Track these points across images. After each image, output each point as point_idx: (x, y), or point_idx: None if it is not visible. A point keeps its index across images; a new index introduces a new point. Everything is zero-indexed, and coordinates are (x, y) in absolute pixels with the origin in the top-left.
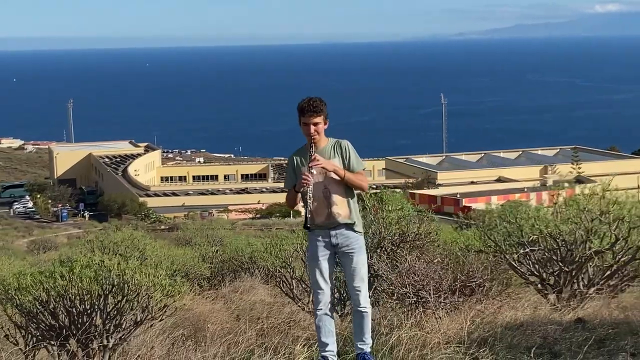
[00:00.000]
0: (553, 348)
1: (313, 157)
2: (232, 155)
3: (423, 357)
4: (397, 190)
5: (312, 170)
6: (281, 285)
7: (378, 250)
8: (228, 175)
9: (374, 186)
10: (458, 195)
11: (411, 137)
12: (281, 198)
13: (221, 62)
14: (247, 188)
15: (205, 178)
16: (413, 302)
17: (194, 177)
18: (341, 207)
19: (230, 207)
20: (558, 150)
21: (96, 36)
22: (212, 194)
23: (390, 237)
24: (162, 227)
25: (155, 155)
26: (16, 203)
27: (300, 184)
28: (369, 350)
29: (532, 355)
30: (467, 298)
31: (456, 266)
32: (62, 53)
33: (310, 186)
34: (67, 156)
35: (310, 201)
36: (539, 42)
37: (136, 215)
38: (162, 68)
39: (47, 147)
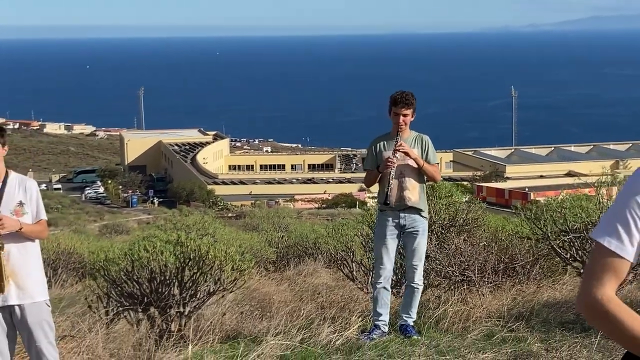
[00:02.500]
0: (584, 324)
1: (399, 143)
2: (300, 145)
3: (466, 329)
4: (465, 182)
5: (396, 155)
6: (342, 267)
7: (429, 234)
8: (295, 165)
9: (441, 178)
10: (526, 189)
11: (480, 130)
12: (347, 189)
13: (291, 51)
14: (313, 178)
15: (273, 167)
16: (458, 280)
17: (261, 166)
18: (413, 192)
19: (296, 197)
20: (630, 145)
21: (168, 24)
22: (279, 183)
23: (440, 222)
24: (230, 214)
25: (224, 144)
26: (88, 188)
27: (385, 165)
28: (412, 323)
29: (564, 329)
30: (509, 279)
31: (500, 249)
32: (134, 41)
33: (394, 168)
34: (137, 143)
35: (391, 181)
36: (615, 35)
37: (204, 202)
38: (232, 57)
39: (118, 134)
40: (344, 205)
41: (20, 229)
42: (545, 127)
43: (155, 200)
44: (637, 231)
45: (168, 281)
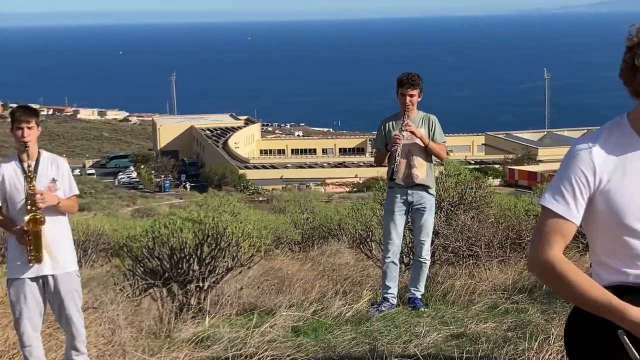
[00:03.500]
0: None
1: (405, 122)
2: (331, 129)
3: (471, 301)
4: (496, 165)
5: (403, 133)
6: (361, 246)
7: (437, 211)
8: (326, 149)
9: (472, 161)
10: None
11: (512, 113)
12: (378, 172)
13: (323, 35)
14: (344, 162)
15: (304, 151)
16: (466, 255)
17: (292, 150)
18: (420, 169)
19: (327, 181)
20: None
21: (202, 10)
22: (310, 167)
23: (449, 200)
24: (260, 198)
25: (255, 129)
26: (121, 173)
27: (392, 143)
28: (419, 296)
29: (564, 301)
30: (516, 254)
31: (508, 226)
32: (167, 26)
33: (400, 147)
34: (170, 128)
35: (398, 158)
36: None
37: (235, 187)
38: (264, 42)
39: (150, 119)
40: (374, 189)
41: (58, 203)
42: (578, 110)
43: (187, 185)
44: (581, 196)
45: (187, 257)
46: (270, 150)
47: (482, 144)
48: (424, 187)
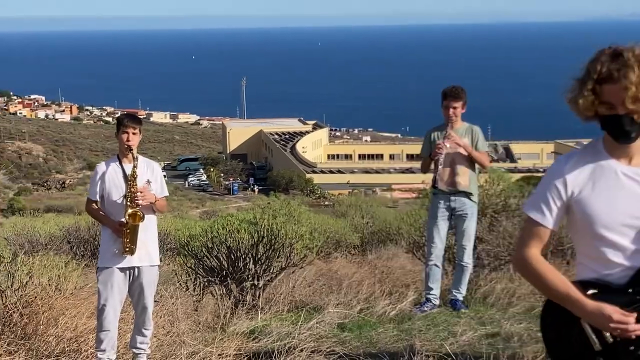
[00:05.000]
0: None
1: (449, 133)
2: (399, 135)
3: (510, 303)
4: None
5: (445, 143)
6: (414, 250)
7: (481, 217)
8: (393, 155)
9: (541, 169)
10: None
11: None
12: None
13: (394, 40)
14: (411, 168)
15: (371, 157)
16: (507, 260)
17: (359, 155)
18: (463, 177)
19: (394, 186)
20: None
21: (271, 15)
22: (377, 172)
23: (493, 206)
24: (326, 203)
25: (323, 133)
26: (191, 176)
27: (435, 152)
28: (461, 298)
29: None
30: (557, 260)
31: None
32: (238, 31)
33: (442, 155)
34: (239, 132)
35: (440, 167)
36: None
37: (302, 191)
38: (334, 47)
39: (221, 122)
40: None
41: (155, 201)
42: None
43: (255, 188)
44: (555, 205)
45: (244, 256)
46: (338, 155)
47: (552, 152)
48: (467, 194)
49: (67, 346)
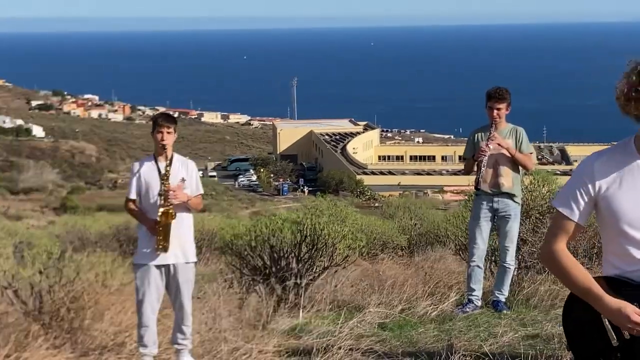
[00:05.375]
0: None
1: (492, 135)
2: (452, 136)
3: (553, 305)
4: None
5: (489, 145)
6: (460, 253)
7: (525, 218)
8: (445, 156)
9: (534, 167)
10: None
11: None
12: None
13: (445, 41)
14: (463, 169)
15: (423, 158)
16: None
17: (411, 157)
18: (507, 178)
19: (445, 188)
20: None
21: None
22: (428, 174)
23: (538, 208)
24: (376, 204)
25: (374, 134)
26: (241, 176)
27: (478, 154)
28: (503, 300)
29: None
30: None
31: (594, 235)
32: (290, 32)
33: (486, 157)
34: (289, 133)
35: (483, 168)
36: None
37: (352, 192)
38: (387, 47)
39: (271, 123)
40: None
41: (187, 200)
42: None
43: (305, 189)
44: (583, 200)
45: (287, 255)
46: (389, 157)
47: None
48: (510, 195)
49: (112, 340)
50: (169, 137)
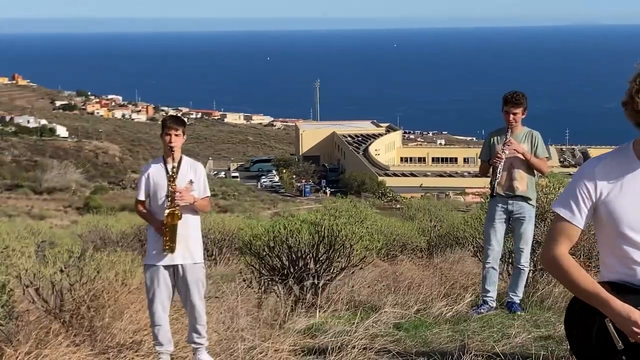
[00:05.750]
0: None
1: (508, 140)
2: (474, 139)
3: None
4: None
5: (505, 150)
6: (478, 255)
7: (541, 222)
8: (467, 158)
9: (549, 171)
10: None
11: None
12: None
13: (468, 43)
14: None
15: (445, 160)
16: None
17: (433, 158)
18: (521, 182)
19: (467, 190)
20: None
21: (348, 17)
22: (450, 176)
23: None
24: (397, 206)
25: (396, 136)
26: (263, 177)
27: (494, 158)
28: (518, 301)
29: None
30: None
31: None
32: (314, 33)
33: (502, 162)
34: (312, 134)
35: (499, 174)
36: None
37: (374, 193)
38: (409, 49)
39: (294, 124)
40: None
41: (194, 202)
42: None
43: (327, 190)
44: (584, 205)
45: (304, 256)
46: (411, 158)
47: None
48: (525, 198)
49: (131, 338)
50: (177, 140)
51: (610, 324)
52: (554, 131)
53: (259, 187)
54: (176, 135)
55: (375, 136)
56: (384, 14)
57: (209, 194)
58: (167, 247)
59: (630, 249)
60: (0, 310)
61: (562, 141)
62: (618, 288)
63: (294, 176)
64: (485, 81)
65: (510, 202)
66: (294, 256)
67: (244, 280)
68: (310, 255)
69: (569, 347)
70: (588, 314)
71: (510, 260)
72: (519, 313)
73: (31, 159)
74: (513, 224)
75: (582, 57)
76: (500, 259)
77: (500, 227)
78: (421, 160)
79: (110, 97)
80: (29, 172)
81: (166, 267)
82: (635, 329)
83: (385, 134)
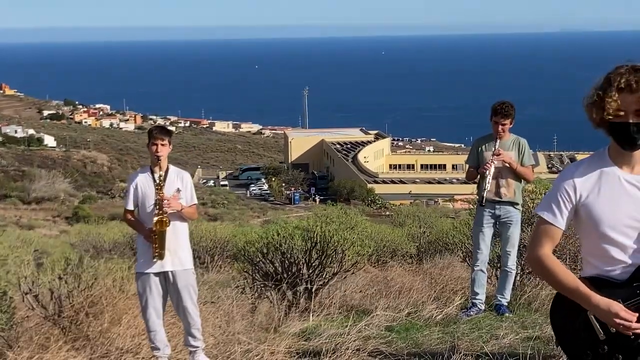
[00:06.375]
0: None
1: (497, 151)
2: (462, 145)
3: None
4: None
5: (494, 161)
6: (467, 260)
7: (527, 226)
8: (456, 165)
9: (534, 178)
10: None
11: None
12: None
13: (457, 50)
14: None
15: (433, 167)
16: None
17: (422, 165)
18: (508, 188)
19: (456, 197)
20: None
21: (334, 24)
22: (439, 182)
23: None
24: (387, 213)
25: (385, 143)
26: (253, 185)
27: (483, 169)
28: (505, 303)
29: None
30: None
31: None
32: (301, 41)
33: (491, 173)
34: (301, 142)
35: (488, 184)
36: None
37: (364, 200)
38: (397, 56)
39: (282, 132)
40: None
41: (181, 209)
42: None
43: (316, 198)
44: (565, 208)
45: (297, 261)
46: (400, 165)
47: None
48: (511, 203)
49: (130, 343)
50: (163, 149)
51: (592, 317)
52: (541, 137)
53: (248, 195)
54: (162, 145)
55: (364, 143)
56: (372, 22)
57: (196, 201)
58: (156, 254)
59: (609, 246)
60: (2, 316)
61: (550, 147)
62: (597, 282)
63: (283, 184)
64: (473, 88)
65: (497, 206)
66: (287, 262)
67: (237, 287)
68: (303, 260)
69: (555, 340)
70: (571, 309)
71: (498, 264)
72: (507, 315)
73: (19, 168)
74: (500, 227)
75: (570, 63)
76: (489, 262)
77: (488, 231)
78: (410, 167)
79: (98, 106)
80: (17, 182)
81: (156, 274)
82: (617, 320)
83: (374, 141)
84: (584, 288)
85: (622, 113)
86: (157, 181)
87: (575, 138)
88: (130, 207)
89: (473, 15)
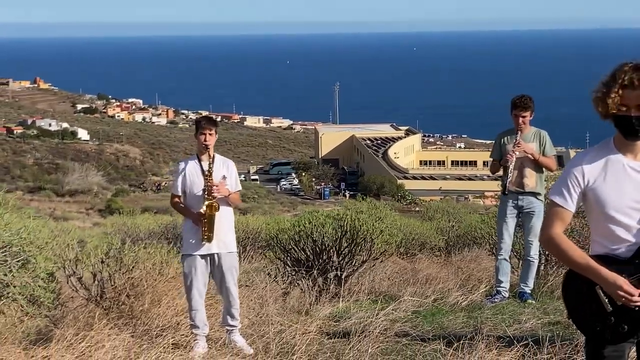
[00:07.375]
0: None
1: (518, 142)
2: (494, 142)
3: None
4: None
5: (515, 151)
6: (494, 252)
7: None
8: (487, 162)
9: (557, 168)
10: None
11: None
12: None
13: (490, 47)
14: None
15: (464, 163)
16: None
17: (452, 162)
18: (531, 179)
19: (486, 194)
20: None
21: (364, 20)
22: (470, 179)
23: None
24: (417, 208)
25: (416, 139)
26: (283, 180)
27: (505, 160)
28: (528, 291)
29: None
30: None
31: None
32: (334, 37)
33: (513, 162)
34: (331, 137)
35: (510, 174)
36: None
37: (393, 196)
38: (429, 52)
39: (313, 127)
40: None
41: (229, 195)
42: None
43: (346, 193)
44: (575, 192)
45: (328, 249)
46: (430, 161)
47: None
48: (534, 194)
49: (169, 323)
50: (210, 139)
51: (599, 290)
52: (574, 136)
53: (279, 190)
54: (210, 134)
55: (394, 139)
56: (404, 18)
57: (240, 188)
58: (205, 237)
59: (615, 227)
60: (50, 295)
61: (583, 145)
62: (604, 260)
63: (313, 179)
64: (504, 85)
65: (520, 197)
66: (318, 249)
67: (269, 275)
68: (334, 248)
69: (567, 314)
70: (581, 283)
71: (524, 254)
72: (529, 301)
73: (53, 161)
74: (523, 218)
75: (603, 61)
76: (514, 252)
77: (511, 222)
78: (440, 163)
79: (130, 100)
80: (51, 174)
81: (203, 256)
82: (620, 292)
83: (405, 137)
84: (593, 263)
85: (624, 108)
86: (207, 168)
87: (608, 135)
88: (179, 192)
89: (506, 11)
